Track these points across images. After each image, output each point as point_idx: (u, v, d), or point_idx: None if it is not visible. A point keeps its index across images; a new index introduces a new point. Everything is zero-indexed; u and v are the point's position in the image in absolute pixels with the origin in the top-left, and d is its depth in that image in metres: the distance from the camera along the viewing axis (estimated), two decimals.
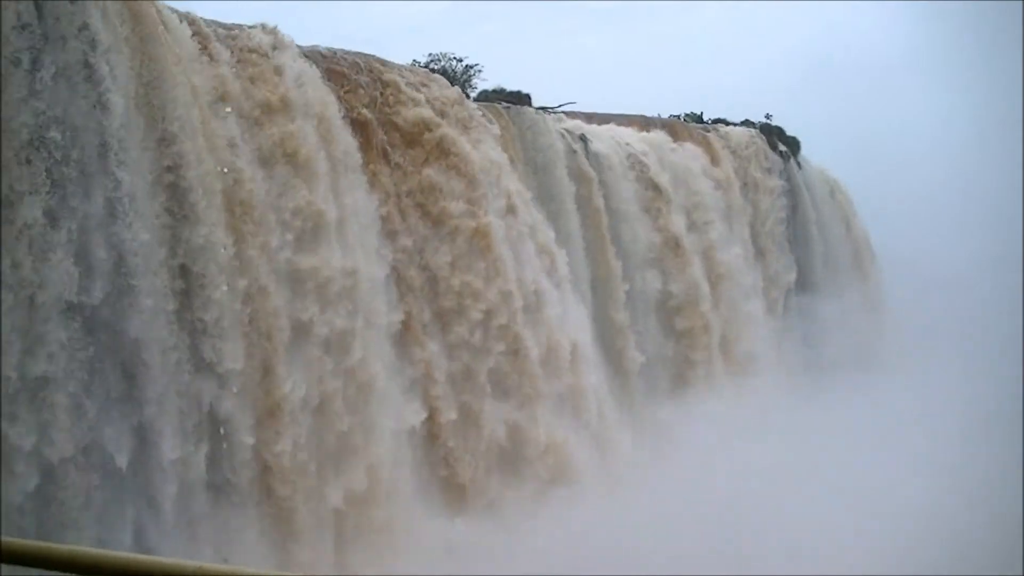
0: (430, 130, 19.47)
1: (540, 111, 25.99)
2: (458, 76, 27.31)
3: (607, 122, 29.83)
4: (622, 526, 17.47)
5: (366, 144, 18.03)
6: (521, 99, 26.21)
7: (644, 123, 31.70)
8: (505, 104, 25.03)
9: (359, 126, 18.07)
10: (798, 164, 38.89)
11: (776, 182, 36.20)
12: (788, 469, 20.68)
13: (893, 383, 32.10)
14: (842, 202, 42.33)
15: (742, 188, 34.13)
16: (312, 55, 17.84)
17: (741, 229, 32.83)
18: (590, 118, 29.10)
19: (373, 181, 17.97)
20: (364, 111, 18.32)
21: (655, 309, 27.32)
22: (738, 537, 17.27)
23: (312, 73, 17.02)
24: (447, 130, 19.69)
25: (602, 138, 27.85)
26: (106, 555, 2.98)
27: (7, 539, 3.06)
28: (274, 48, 16.43)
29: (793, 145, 39.67)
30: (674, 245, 28.18)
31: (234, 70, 15.50)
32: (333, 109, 17.22)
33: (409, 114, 19.32)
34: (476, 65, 28.34)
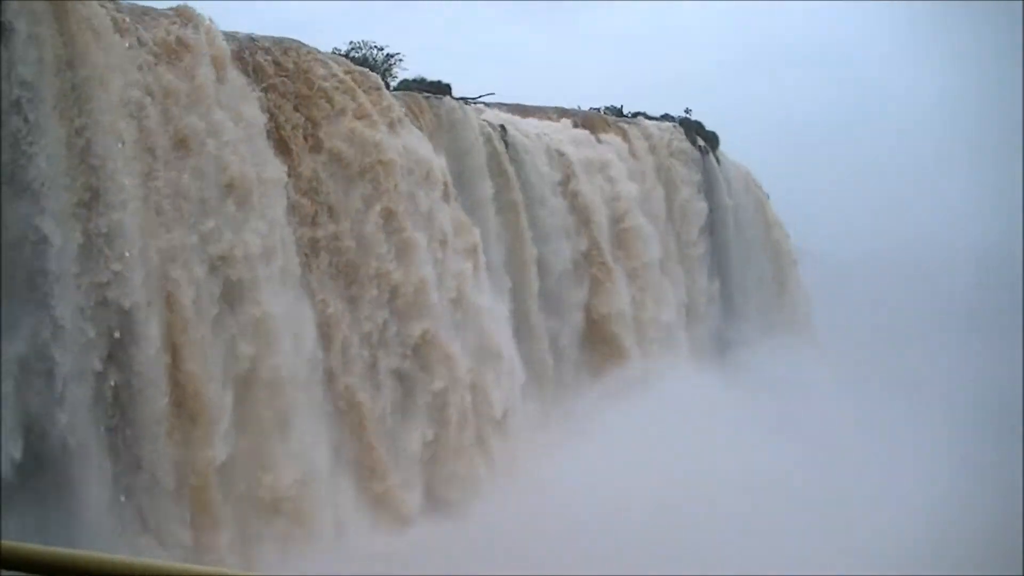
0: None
1: (460, 101, 26.03)
2: (379, 65, 27.23)
3: (527, 114, 29.97)
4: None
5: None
6: (441, 89, 26.22)
7: (564, 115, 31.89)
8: (425, 94, 25.03)
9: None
10: (716, 159, 39.43)
11: (694, 175, 36.66)
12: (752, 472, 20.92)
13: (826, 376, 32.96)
14: (758, 194, 43.03)
15: (660, 181, 34.54)
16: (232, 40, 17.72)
17: (658, 221, 33.20)
18: (510, 109, 29.23)
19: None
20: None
21: (572, 301, 27.55)
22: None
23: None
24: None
25: (522, 130, 27.98)
26: (107, 559, 2.94)
27: (7, 543, 2.99)
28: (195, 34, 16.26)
29: (712, 140, 40.20)
30: (592, 237, 28.45)
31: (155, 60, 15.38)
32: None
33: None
34: (397, 54, 28.30)
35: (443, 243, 20.85)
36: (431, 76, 26.90)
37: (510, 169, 25.86)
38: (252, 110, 17.09)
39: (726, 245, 38.18)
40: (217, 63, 16.44)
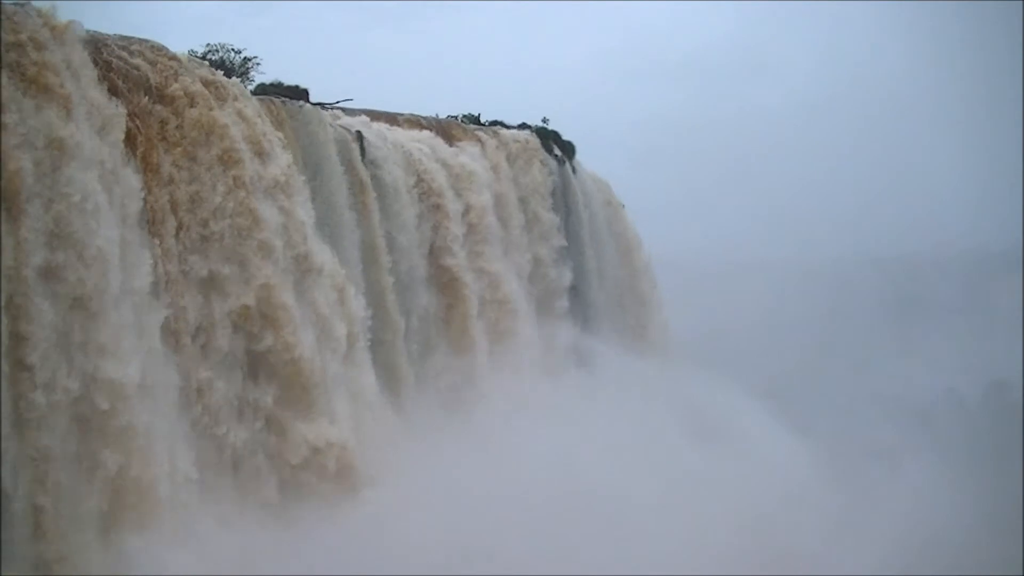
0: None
1: (318, 106, 26.08)
2: (236, 68, 27.10)
3: (385, 120, 30.16)
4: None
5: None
6: (299, 94, 26.16)
7: (421, 122, 32.22)
8: (283, 98, 25.01)
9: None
10: (572, 168, 40.37)
11: (550, 184, 37.43)
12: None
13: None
14: (612, 202, 44.16)
15: (515, 189, 35.19)
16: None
17: (513, 229, 33.83)
18: (368, 115, 29.34)
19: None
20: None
21: (423, 307, 27.93)
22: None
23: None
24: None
25: (379, 136, 28.18)
26: None
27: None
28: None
29: (569, 149, 41.12)
30: (445, 244, 28.89)
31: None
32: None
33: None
34: (255, 58, 28.16)
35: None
36: (289, 80, 26.91)
37: (365, 175, 26.06)
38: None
39: (581, 254, 39.03)
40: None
